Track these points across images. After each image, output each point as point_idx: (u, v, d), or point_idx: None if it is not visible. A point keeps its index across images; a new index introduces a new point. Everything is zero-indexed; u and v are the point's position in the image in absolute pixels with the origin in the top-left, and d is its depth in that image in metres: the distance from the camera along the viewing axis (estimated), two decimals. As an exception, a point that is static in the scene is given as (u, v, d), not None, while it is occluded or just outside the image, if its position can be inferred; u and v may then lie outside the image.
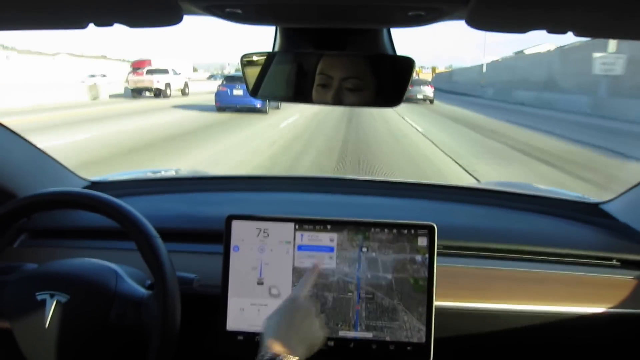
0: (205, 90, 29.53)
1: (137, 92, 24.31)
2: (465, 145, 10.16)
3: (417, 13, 0.66)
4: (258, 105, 15.89)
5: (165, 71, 25.21)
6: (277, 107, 17.84)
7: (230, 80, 16.81)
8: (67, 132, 10.47)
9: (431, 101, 26.02)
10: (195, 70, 44.45)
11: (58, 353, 0.87)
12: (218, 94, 16.48)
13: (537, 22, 0.63)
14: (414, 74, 0.90)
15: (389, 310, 0.98)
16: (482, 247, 1.20)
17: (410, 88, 0.92)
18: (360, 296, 0.98)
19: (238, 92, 15.75)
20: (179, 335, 0.87)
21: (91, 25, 0.68)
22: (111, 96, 24.60)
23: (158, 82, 24.07)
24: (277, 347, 0.75)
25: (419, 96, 25.76)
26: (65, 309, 0.87)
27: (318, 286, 0.99)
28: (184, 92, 26.78)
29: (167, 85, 24.80)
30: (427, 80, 30.06)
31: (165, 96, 24.15)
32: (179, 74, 27.07)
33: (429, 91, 25.75)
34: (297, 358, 0.74)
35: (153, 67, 26.53)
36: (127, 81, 24.02)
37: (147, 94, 24.52)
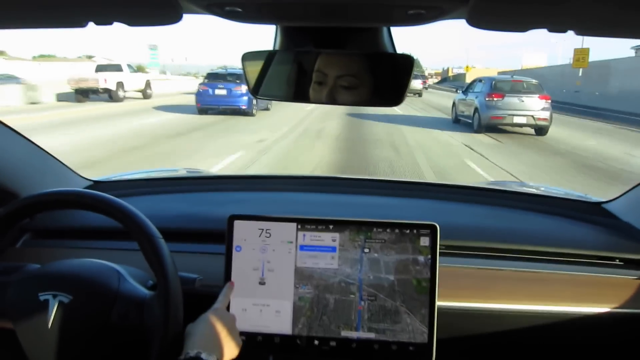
0: (177, 91, 25.47)
1: (82, 95, 18.92)
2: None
3: (418, 11, 0.66)
4: (243, 107, 14.18)
5: (117, 67, 20.12)
6: (267, 109, 16.05)
7: (212, 78, 14.87)
8: None
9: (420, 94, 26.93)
10: (163, 72, 41.39)
11: (60, 353, 0.87)
12: (199, 94, 14.56)
13: (538, 21, 0.63)
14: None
15: (391, 312, 0.97)
16: (484, 247, 1.20)
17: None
18: (362, 298, 0.98)
19: (221, 91, 14.13)
20: (181, 336, 0.87)
21: (91, 24, 0.68)
22: (61, 99, 19.34)
23: (105, 81, 18.71)
24: (199, 347, 0.81)
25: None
26: (67, 309, 0.87)
27: (319, 288, 0.99)
28: (145, 94, 21.57)
29: (119, 84, 19.38)
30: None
31: (117, 99, 19.03)
32: (137, 70, 22.10)
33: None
34: (218, 357, 0.82)
35: (104, 62, 21.53)
36: (68, 81, 18.75)
37: (101, 94, 19.24)
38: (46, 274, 0.93)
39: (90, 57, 45.26)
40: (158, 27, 0.69)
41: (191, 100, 15.35)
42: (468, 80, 44.56)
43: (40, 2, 0.63)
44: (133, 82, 20.67)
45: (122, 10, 0.65)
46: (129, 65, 20.90)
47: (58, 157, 1.41)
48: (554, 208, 1.39)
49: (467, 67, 51.28)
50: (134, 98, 20.91)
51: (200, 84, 15.05)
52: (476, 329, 1.10)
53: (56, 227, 1.28)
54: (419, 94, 28.03)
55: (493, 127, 11.68)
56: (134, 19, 0.69)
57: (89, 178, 1.50)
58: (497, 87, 11.94)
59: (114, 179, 1.63)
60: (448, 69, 77.55)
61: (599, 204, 1.39)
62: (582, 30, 0.64)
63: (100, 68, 20.07)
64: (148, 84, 22.07)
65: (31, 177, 1.27)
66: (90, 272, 0.94)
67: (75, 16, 0.68)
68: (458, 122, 13.61)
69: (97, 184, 1.49)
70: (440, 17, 0.69)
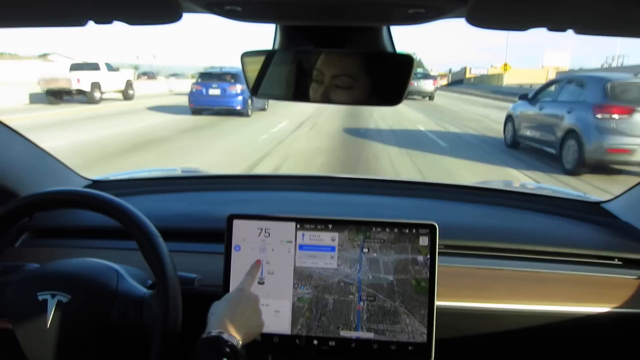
0: (165, 91, 24.10)
1: (54, 96, 17.30)
2: None
3: (417, 11, 0.66)
4: (238, 108, 13.63)
5: (94, 66, 18.40)
6: (263, 109, 15.43)
7: (206, 77, 14.30)
8: None
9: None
10: (139, 75, 39.33)
11: (59, 353, 0.87)
12: (192, 94, 14.10)
13: (537, 20, 0.63)
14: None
15: (390, 312, 0.97)
16: (483, 246, 1.20)
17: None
18: (361, 298, 0.98)
19: (215, 91, 13.62)
20: (180, 335, 0.87)
21: (91, 23, 0.68)
22: (34, 101, 17.55)
23: (78, 81, 16.96)
24: (221, 327, 0.82)
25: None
26: (66, 309, 0.87)
27: (318, 288, 0.99)
28: (126, 95, 20.22)
29: (95, 85, 17.73)
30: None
31: (92, 100, 17.51)
32: (117, 69, 20.07)
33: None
34: (239, 338, 0.82)
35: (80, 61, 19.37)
36: (38, 82, 17.16)
37: (75, 96, 17.63)
38: (45, 274, 0.93)
39: (44, 56, 38.59)
40: (157, 26, 0.69)
41: (180, 101, 14.74)
42: (505, 82, 40.10)
43: (39, 1, 0.62)
44: (112, 82, 19.19)
45: (122, 9, 0.65)
46: (107, 64, 19.25)
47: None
48: (553, 208, 1.39)
49: (505, 65, 38.05)
50: (115, 99, 19.74)
51: (193, 84, 14.57)
52: (475, 329, 1.10)
53: (55, 227, 1.28)
54: (429, 96, 24.36)
55: (604, 166, 6.67)
56: (133, 18, 0.69)
57: (88, 177, 1.50)
58: (617, 94, 6.53)
59: (113, 178, 1.63)
60: (465, 69, 65.38)
61: (598, 203, 1.39)
62: (581, 29, 0.64)
63: (75, 67, 18.38)
64: (129, 85, 20.57)
65: (30, 176, 1.27)
66: (89, 272, 0.94)
67: (74, 15, 0.68)
68: (516, 147, 8.91)
69: (96, 184, 1.49)
70: (439, 17, 0.69)
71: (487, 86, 42.99)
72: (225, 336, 0.80)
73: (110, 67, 19.29)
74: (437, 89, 26.76)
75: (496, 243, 1.20)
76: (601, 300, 1.07)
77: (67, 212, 1.27)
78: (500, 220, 1.34)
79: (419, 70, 29.57)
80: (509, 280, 1.11)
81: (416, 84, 23.02)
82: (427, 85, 23.82)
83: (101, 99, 18.26)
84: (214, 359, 0.77)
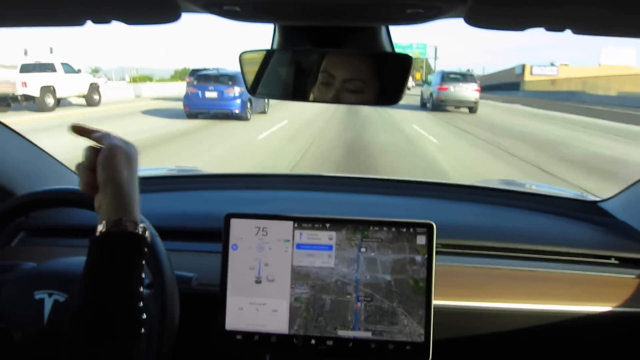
0: (126, 96, 20.34)
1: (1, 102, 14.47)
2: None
3: (416, 11, 0.66)
4: (237, 111, 12.79)
5: (48, 67, 15.70)
6: (264, 112, 14.59)
7: (202, 79, 13.43)
8: None
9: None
10: (109, 78, 34.78)
11: (56, 352, 0.87)
12: (187, 97, 13.18)
13: (535, 19, 0.63)
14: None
15: (388, 313, 0.97)
16: (480, 245, 1.20)
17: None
18: (358, 299, 0.98)
19: (211, 94, 12.77)
20: (178, 335, 0.87)
21: (89, 23, 0.67)
22: None
23: (25, 84, 14.29)
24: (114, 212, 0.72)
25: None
26: (63, 308, 0.87)
27: (316, 288, 0.99)
28: (90, 101, 17.32)
29: (46, 89, 14.90)
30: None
31: (44, 108, 14.78)
32: (78, 71, 17.12)
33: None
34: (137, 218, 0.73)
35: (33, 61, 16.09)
36: None
37: (22, 103, 14.72)
38: (41, 273, 0.93)
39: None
40: (157, 25, 0.69)
41: (155, 105, 13.48)
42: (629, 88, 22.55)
43: (37, 1, 0.62)
44: (71, 86, 16.25)
45: (121, 9, 0.65)
46: (65, 65, 16.31)
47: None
48: (551, 207, 1.39)
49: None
50: (78, 105, 17.06)
51: (188, 86, 13.65)
52: (473, 328, 1.10)
53: (52, 226, 1.28)
54: (470, 107, 17.07)
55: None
56: (132, 18, 0.69)
57: None
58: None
59: None
60: (524, 69, 44.89)
61: (595, 202, 1.40)
62: (579, 30, 0.64)
63: (25, 68, 15.25)
64: (94, 88, 17.58)
65: (27, 175, 1.27)
66: None
67: (73, 14, 0.68)
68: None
69: None
70: (438, 17, 0.69)
71: (592, 96, 26.38)
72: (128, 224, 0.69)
73: (69, 69, 16.45)
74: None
75: (493, 242, 1.20)
76: (598, 299, 1.07)
77: (64, 211, 1.27)
78: (498, 220, 1.35)
79: (454, 69, 20.58)
80: (506, 279, 1.11)
81: (452, 89, 16.77)
82: (467, 92, 16.63)
83: (56, 106, 15.47)
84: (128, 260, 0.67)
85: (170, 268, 0.88)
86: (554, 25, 0.63)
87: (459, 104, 17.48)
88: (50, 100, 15.25)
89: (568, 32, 0.63)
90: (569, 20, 0.62)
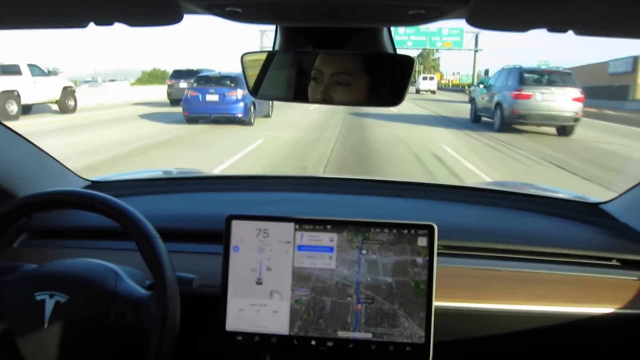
0: (117, 101, 19.07)
1: None
2: None
3: (418, 12, 0.66)
4: (239, 115, 12.15)
5: (11, 69, 13.73)
6: (268, 115, 13.97)
7: (202, 82, 12.85)
8: None
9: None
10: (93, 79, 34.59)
11: (57, 353, 0.87)
12: (186, 101, 12.60)
13: (537, 20, 0.63)
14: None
15: (389, 315, 0.97)
16: (481, 247, 1.20)
17: None
18: (359, 301, 0.98)
19: (212, 97, 12.21)
20: (179, 336, 0.87)
21: (91, 24, 0.68)
22: None
23: None
24: None
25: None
26: (64, 310, 0.87)
27: (316, 290, 0.99)
28: (64, 107, 15.49)
29: (8, 94, 13.16)
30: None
31: (4, 116, 12.59)
32: (48, 74, 15.69)
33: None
34: None
35: None
36: None
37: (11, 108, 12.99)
38: (43, 274, 0.93)
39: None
40: (159, 27, 0.69)
41: (143, 111, 12.53)
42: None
43: (40, 2, 0.62)
44: (40, 91, 14.38)
45: (123, 11, 0.65)
46: (32, 67, 14.37)
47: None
48: (552, 208, 1.39)
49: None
50: (50, 113, 15.42)
51: (188, 89, 13.03)
52: (474, 329, 1.10)
53: (53, 227, 1.28)
54: (563, 127, 11.09)
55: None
56: (134, 19, 0.69)
57: (87, 178, 1.50)
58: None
59: (112, 179, 1.63)
60: (637, 61, 24.58)
61: (596, 204, 1.39)
62: (582, 30, 0.64)
63: None
64: (69, 93, 15.66)
65: (29, 177, 1.27)
66: (87, 272, 0.93)
67: (75, 16, 0.68)
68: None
69: (95, 184, 1.49)
70: (440, 17, 0.69)
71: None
72: None
73: (38, 71, 14.60)
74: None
75: (494, 244, 1.20)
76: (599, 301, 1.07)
77: (65, 212, 1.27)
78: (499, 221, 1.35)
79: (542, 65, 14.86)
80: (507, 281, 1.11)
81: (540, 96, 10.77)
82: (564, 101, 10.62)
83: (20, 113, 13.61)
84: None
85: (171, 269, 0.88)
86: (557, 26, 0.63)
87: (549, 120, 10.99)
88: (12, 108, 13.33)
89: (570, 33, 0.63)
90: (572, 21, 0.62)
